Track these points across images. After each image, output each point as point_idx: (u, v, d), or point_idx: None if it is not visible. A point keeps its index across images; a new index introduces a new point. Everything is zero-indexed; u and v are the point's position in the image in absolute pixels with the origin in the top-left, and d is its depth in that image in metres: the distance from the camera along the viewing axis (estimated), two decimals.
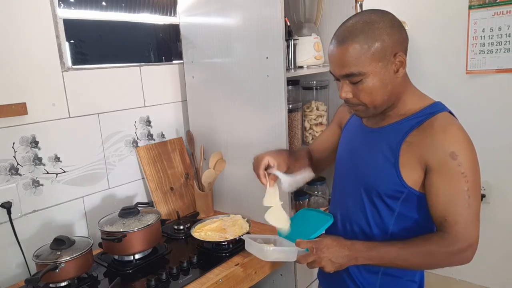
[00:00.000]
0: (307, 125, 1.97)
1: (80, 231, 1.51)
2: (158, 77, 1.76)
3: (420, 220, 0.98)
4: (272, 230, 1.20)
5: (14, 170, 1.32)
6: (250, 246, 1.11)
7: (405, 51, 0.95)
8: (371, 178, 1.01)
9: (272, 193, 1.12)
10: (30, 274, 1.26)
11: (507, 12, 2.19)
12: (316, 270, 1.70)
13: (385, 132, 1.00)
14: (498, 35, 2.24)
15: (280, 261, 1.07)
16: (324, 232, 1.09)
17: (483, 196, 2.44)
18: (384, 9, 0.97)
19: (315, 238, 1.03)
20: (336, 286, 1.13)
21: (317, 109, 1.94)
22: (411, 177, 0.94)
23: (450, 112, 0.97)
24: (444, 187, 0.90)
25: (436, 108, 0.96)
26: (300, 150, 1.35)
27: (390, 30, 0.92)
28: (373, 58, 0.91)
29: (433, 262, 0.94)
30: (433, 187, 0.92)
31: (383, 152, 0.98)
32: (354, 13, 1.85)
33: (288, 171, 1.19)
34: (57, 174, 1.43)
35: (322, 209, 1.80)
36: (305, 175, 1.16)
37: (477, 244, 0.91)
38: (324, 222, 1.09)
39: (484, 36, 2.29)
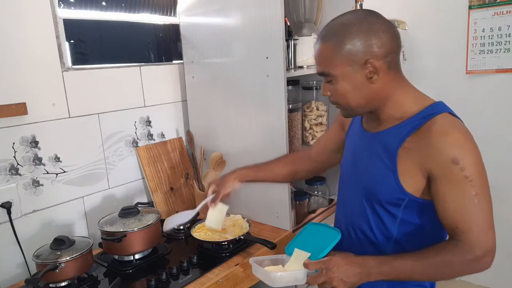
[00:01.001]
0: (307, 125, 1.97)
1: (80, 231, 1.51)
2: (158, 77, 1.76)
3: (425, 226, 0.95)
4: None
5: (14, 170, 1.32)
6: (257, 271, 1.07)
7: (384, 57, 0.90)
8: (371, 184, 0.99)
9: (212, 215, 1.25)
10: (30, 274, 1.26)
11: (507, 12, 2.19)
12: None
13: (383, 137, 0.98)
14: (498, 35, 2.24)
15: (290, 285, 1.02)
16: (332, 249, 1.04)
17: None
18: (375, 10, 0.94)
19: (323, 257, 0.99)
20: None
21: (317, 109, 1.94)
22: (412, 184, 0.91)
23: (452, 113, 0.92)
24: (450, 194, 0.87)
25: (434, 110, 0.91)
26: (278, 158, 1.34)
27: (364, 34, 0.89)
28: (341, 61, 0.91)
29: (451, 273, 0.90)
30: (440, 194, 0.88)
31: (381, 158, 0.96)
32: None
33: (259, 181, 1.31)
34: (57, 174, 1.43)
35: (322, 209, 1.81)
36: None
37: (494, 249, 0.88)
38: (331, 238, 1.04)
39: (484, 36, 2.29)
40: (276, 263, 1.09)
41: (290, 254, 1.08)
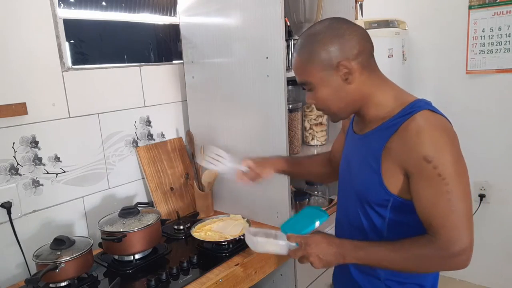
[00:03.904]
0: (307, 125, 1.97)
1: (80, 231, 1.51)
2: (158, 77, 1.76)
3: (413, 225, 0.95)
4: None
5: (14, 170, 1.32)
6: (246, 238, 1.13)
7: (355, 57, 0.94)
8: (361, 186, 1.01)
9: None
10: (30, 274, 1.26)
11: (507, 12, 2.19)
12: (317, 271, 1.70)
13: (368, 139, 1.00)
14: (498, 35, 2.25)
15: (272, 253, 1.09)
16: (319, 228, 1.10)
17: (483, 196, 2.44)
18: (341, 17, 1.01)
19: (306, 233, 1.05)
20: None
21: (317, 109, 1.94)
22: (394, 184, 0.93)
23: (433, 109, 0.92)
24: (424, 192, 0.88)
25: (414, 108, 0.92)
26: (310, 157, 1.38)
27: (330, 40, 0.94)
28: (315, 68, 0.96)
29: (424, 266, 0.92)
30: (415, 192, 0.90)
31: (368, 160, 0.98)
32: (354, 13, 1.86)
33: (290, 175, 1.34)
34: (57, 174, 1.43)
35: (323, 208, 1.81)
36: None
37: (471, 248, 0.87)
38: (318, 218, 1.11)
39: (484, 36, 2.29)
40: (268, 236, 1.14)
41: (284, 231, 1.11)
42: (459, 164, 0.88)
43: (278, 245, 1.05)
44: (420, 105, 0.93)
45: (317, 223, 1.08)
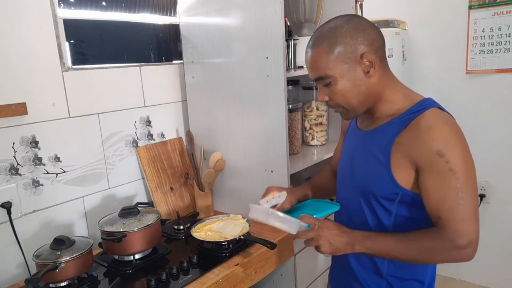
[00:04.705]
0: (307, 125, 1.97)
1: (80, 231, 1.51)
2: (158, 77, 1.76)
3: (418, 220, 0.97)
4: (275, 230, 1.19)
5: (14, 170, 1.32)
6: (254, 209, 1.10)
7: (376, 51, 0.95)
8: (366, 181, 1.02)
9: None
10: (30, 274, 1.26)
11: (507, 12, 2.19)
12: (317, 271, 1.70)
13: (376, 134, 1.01)
14: (498, 35, 2.25)
15: (279, 228, 1.06)
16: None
17: (483, 196, 2.44)
18: (355, 14, 1.00)
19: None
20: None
21: (317, 109, 1.94)
22: (404, 177, 0.94)
23: (441, 108, 0.96)
24: (434, 185, 0.90)
25: (423, 105, 0.95)
26: (319, 175, 1.36)
27: (354, 32, 0.94)
28: (338, 61, 0.94)
29: (430, 257, 0.95)
30: (424, 186, 0.92)
31: (375, 155, 0.99)
32: (354, 13, 1.86)
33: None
34: (57, 174, 1.43)
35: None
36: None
37: (477, 241, 0.90)
38: (331, 207, 1.13)
39: (484, 36, 2.29)
40: None
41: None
42: (468, 160, 0.91)
43: (289, 221, 1.02)
44: (429, 103, 0.96)
45: (330, 211, 1.10)
